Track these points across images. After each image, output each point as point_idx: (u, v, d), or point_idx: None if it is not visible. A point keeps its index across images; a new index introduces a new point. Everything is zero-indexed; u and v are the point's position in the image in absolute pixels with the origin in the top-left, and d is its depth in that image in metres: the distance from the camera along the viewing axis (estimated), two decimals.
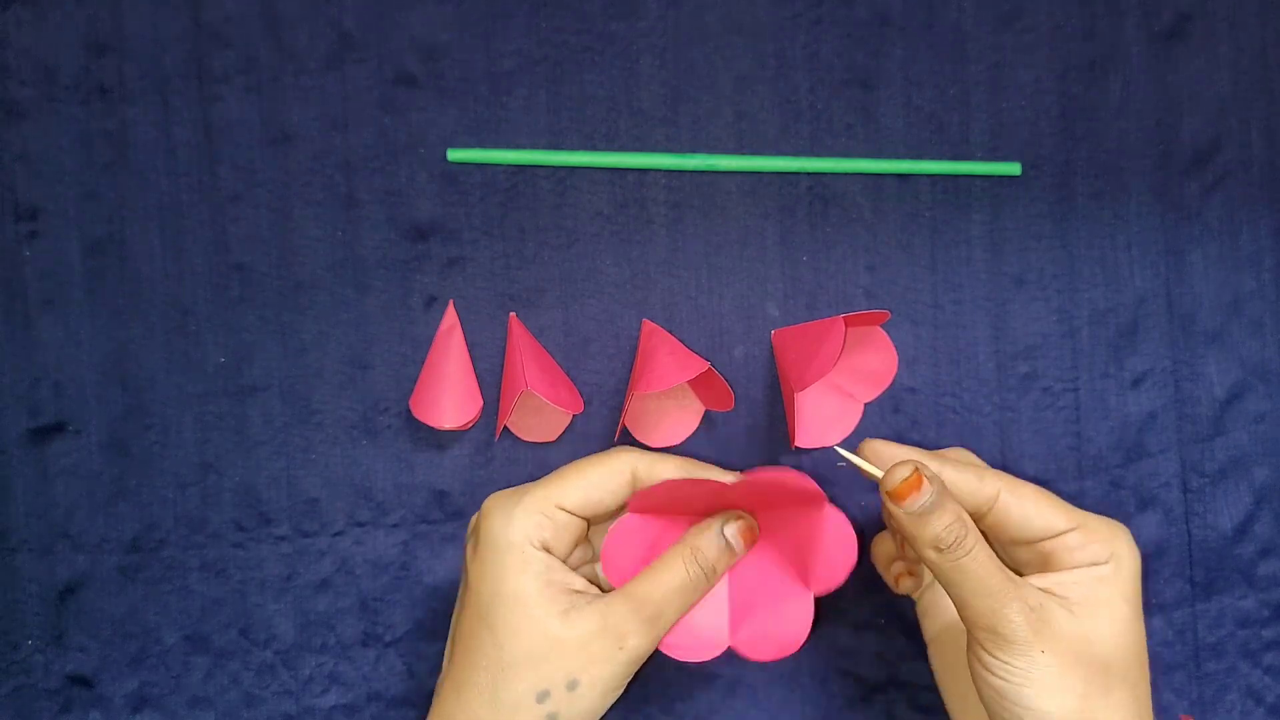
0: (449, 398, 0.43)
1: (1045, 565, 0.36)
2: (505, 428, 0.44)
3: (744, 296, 0.45)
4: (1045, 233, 0.45)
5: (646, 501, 0.37)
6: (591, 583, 0.37)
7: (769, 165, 0.44)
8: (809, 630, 0.38)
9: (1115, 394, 0.45)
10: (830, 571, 0.38)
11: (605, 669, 0.34)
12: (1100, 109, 0.45)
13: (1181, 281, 0.45)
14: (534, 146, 0.44)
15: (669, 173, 0.44)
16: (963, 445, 0.44)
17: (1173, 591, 0.45)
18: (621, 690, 0.35)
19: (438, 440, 0.44)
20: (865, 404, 0.44)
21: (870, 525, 0.45)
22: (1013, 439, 0.45)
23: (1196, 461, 0.45)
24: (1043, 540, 0.36)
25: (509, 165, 0.44)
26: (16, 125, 0.44)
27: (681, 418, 0.44)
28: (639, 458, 0.37)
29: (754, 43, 0.44)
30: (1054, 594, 0.34)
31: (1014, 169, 0.44)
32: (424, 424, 0.43)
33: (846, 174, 0.45)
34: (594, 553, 0.40)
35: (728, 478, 0.37)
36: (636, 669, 0.35)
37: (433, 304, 0.44)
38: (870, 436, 0.38)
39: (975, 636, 0.34)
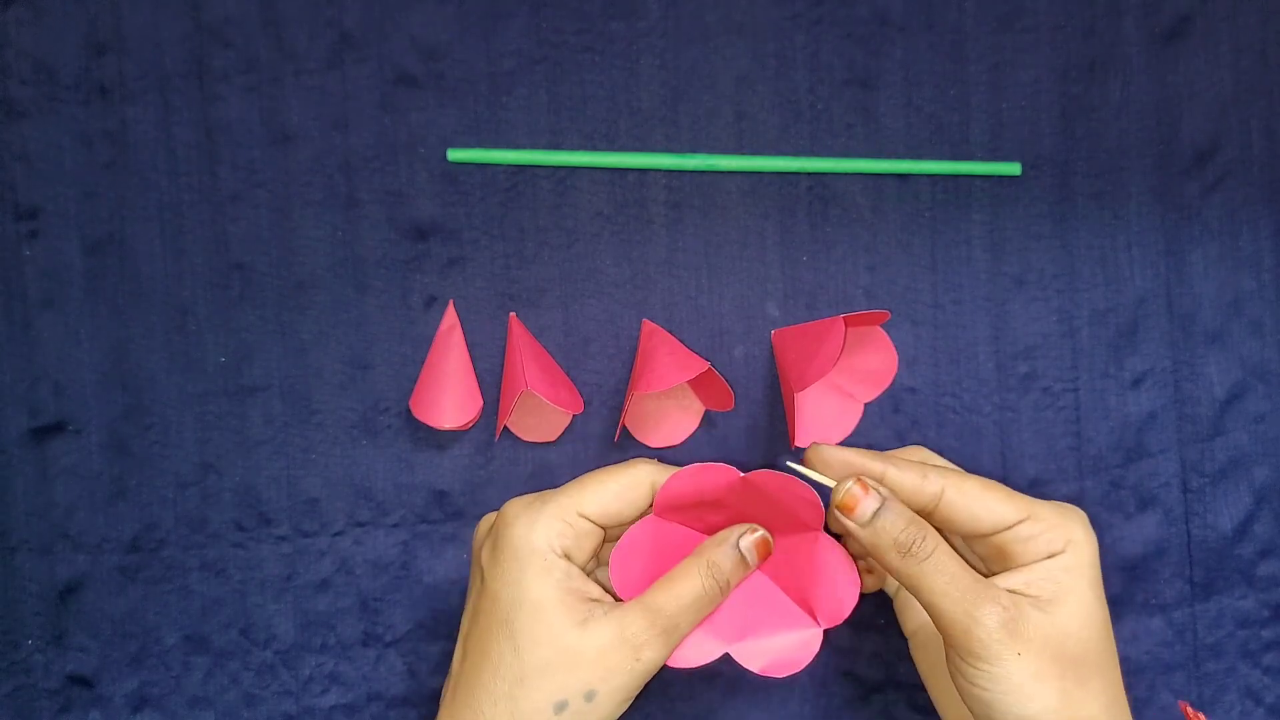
0: (449, 398, 0.43)
1: (1003, 560, 0.36)
2: (505, 428, 0.44)
3: (744, 296, 0.45)
4: (1045, 233, 0.45)
5: (671, 496, 0.37)
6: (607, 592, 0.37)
7: (769, 165, 0.44)
8: (812, 658, 0.38)
9: (1115, 394, 0.45)
10: (836, 606, 0.38)
11: (622, 680, 0.34)
12: (1100, 109, 0.45)
13: (1181, 281, 0.45)
14: (534, 146, 0.44)
15: (669, 173, 0.44)
16: (962, 445, 0.44)
17: (1173, 591, 0.45)
18: (632, 700, 0.35)
19: (438, 440, 0.44)
20: (865, 404, 0.44)
21: None
22: (1013, 439, 0.45)
23: (1196, 461, 0.45)
24: (995, 533, 0.36)
25: (509, 165, 0.44)
26: (16, 125, 0.44)
27: (681, 418, 0.44)
28: (659, 470, 0.37)
29: (754, 43, 0.44)
30: (1023, 593, 0.34)
31: (1014, 169, 0.44)
32: (424, 424, 0.43)
33: (846, 174, 0.45)
34: (599, 565, 0.40)
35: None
36: (649, 679, 0.35)
37: (433, 304, 0.44)
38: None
39: (951, 644, 0.34)
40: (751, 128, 0.44)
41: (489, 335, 0.44)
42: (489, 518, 0.39)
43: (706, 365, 0.41)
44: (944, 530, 0.36)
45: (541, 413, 0.44)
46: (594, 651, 0.34)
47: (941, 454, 0.41)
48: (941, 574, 0.34)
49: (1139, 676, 0.45)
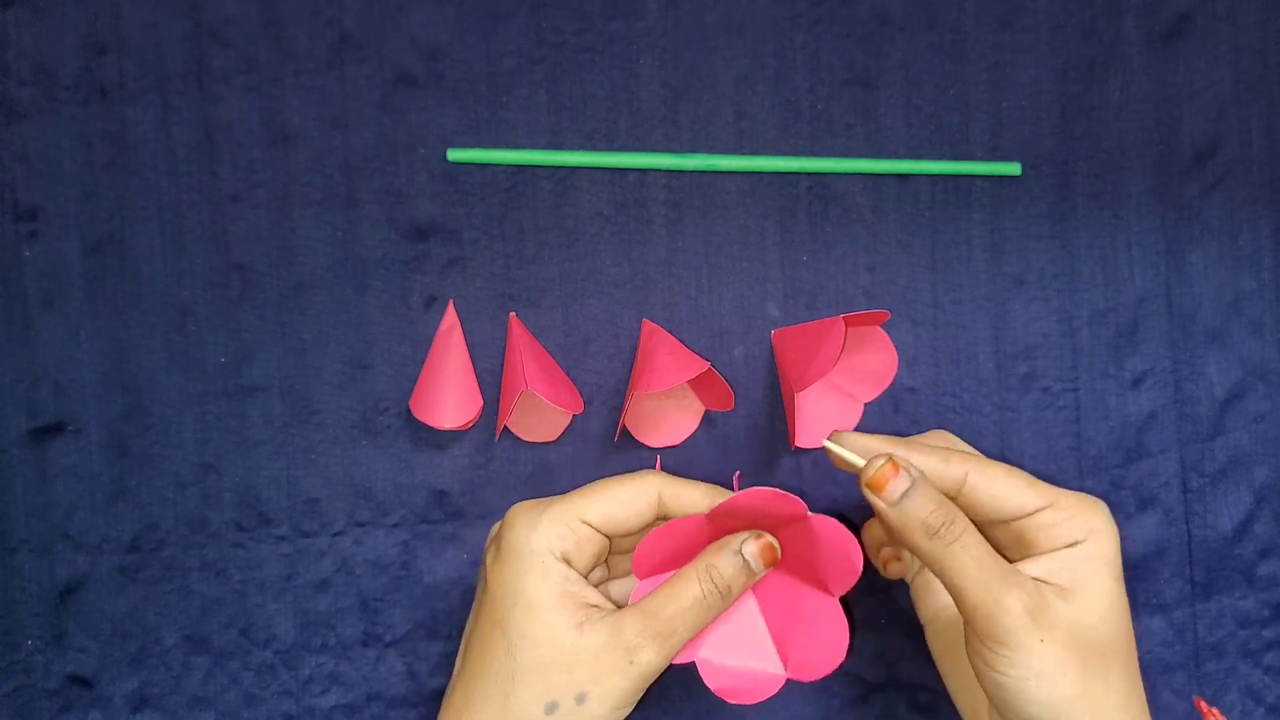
0: (449, 398, 0.43)
1: (1024, 547, 0.36)
2: (505, 428, 0.44)
3: (744, 296, 0.45)
4: (1045, 233, 0.45)
5: (729, 507, 0.36)
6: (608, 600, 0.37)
7: (769, 165, 0.44)
8: (849, 636, 0.38)
9: (1115, 394, 0.45)
10: (842, 575, 0.38)
11: (615, 682, 0.34)
12: (1100, 109, 0.45)
13: (1181, 281, 0.45)
14: (534, 146, 0.44)
15: (669, 173, 0.44)
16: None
17: (1173, 591, 0.45)
18: (632, 707, 0.35)
19: (438, 440, 0.44)
20: (865, 404, 0.44)
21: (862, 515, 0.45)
22: (1013, 439, 0.45)
23: (1196, 461, 0.45)
24: (1015, 520, 0.36)
25: (509, 165, 0.44)
26: (16, 125, 0.44)
27: (681, 418, 0.44)
28: (666, 481, 0.37)
29: (754, 43, 0.44)
30: (1044, 581, 0.34)
31: (1014, 169, 0.44)
32: (424, 424, 0.43)
33: (846, 174, 0.45)
34: (608, 575, 0.40)
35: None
36: (648, 685, 0.35)
37: (433, 304, 0.44)
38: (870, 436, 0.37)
39: (973, 628, 0.34)
40: (751, 128, 0.44)
41: (489, 335, 0.44)
42: (497, 524, 0.39)
43: (706, 365, 0.41)
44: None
45: (541, 413, 0.44)
46: (587, 653, 0.34)
47: None
48: (969, 557, 0.34)
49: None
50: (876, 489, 0.34)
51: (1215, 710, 0.38)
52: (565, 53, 0.44)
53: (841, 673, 0.45)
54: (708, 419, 0.45)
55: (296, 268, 0.44)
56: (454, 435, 0.44)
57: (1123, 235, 0.45)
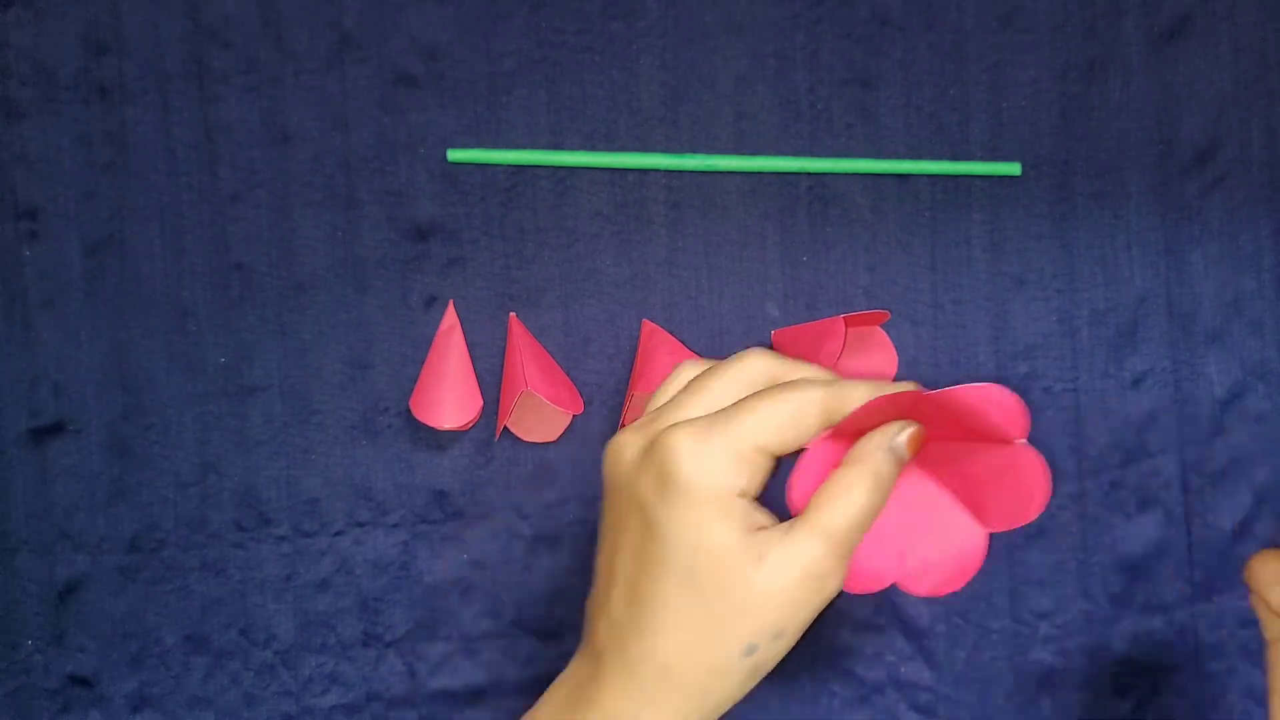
0: (449, 398, 0.43)
1: None
2: (505, 428, 0.44)
3: (744, 296, 0.45)
4: (1045, 233, 0.45)
5: (854, 420, 0.33)
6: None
7: (769, 165, 0.44)
8: (980, 564, 0.35)
9: (1115, 394, 0.45)
10: (1015, 510, 0.34)
11: (807, 613, 0.32)
12: (1100, 109, 0.45)
13: (1181, 281, 0.45)
14: (534, 146, 0.44)
15: (669, 173, 0.44)
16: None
17: (1173, 592, 0.45)
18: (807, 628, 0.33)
19: (438, 440, 0.44)
20: None
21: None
22: None
23: (1196, 461, 0.45)
24: None
25: (509, 165, 0.44)
26: (16, 125, 0.44)
27: None
28: (824, 393, 0.32)
29: (754, 43, 0.44)
30: None
31: (1014, 169, 0.44)
32: (424, 424, 0.43)
33: (846, 174, 0.45)
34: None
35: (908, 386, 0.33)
36: (826, 606, 0.33)
37: (433, 304, 0.44)
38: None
39: None
40: (751, 128, 0.44)
41: (489, 335, 0.44)
42: (630, 436, 0.33)
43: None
44: None
45: (541, 413, 0.44)
46: (780, 592, 0.32)
47: None
48: None
49: (1139, 676, 0.45)
50: (1265, 586, 0.31)
51: None
52: (565, 53, 0.44)
53: (841, 673, 0.45)
54: None
55: (296, 268, 0.44)
56: (454, 435, 0.44)
57: (1123, 235, 0.45)
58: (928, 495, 0.36)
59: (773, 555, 0.32)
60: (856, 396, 0.33)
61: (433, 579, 0.45)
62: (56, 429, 0.44)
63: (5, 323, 0.44)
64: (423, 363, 0.44)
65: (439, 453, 0.44)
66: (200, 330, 0.44)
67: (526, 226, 0.44)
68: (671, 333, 0.44)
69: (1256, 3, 0.45)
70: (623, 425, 0.44)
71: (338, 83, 0.44)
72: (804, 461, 0.33)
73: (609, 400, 0.45)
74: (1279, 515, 0.46)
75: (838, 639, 0.45)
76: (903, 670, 0.45)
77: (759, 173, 0.44)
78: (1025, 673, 0.45)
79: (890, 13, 0.44)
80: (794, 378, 0.33)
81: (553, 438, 0.44)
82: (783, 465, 0.33)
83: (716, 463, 0.31)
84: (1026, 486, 0.33)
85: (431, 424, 0.43)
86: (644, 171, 0.44)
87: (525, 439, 0.44)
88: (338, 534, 0.44)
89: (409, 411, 0.44)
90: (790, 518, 0.33)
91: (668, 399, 0.34)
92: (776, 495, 0.33)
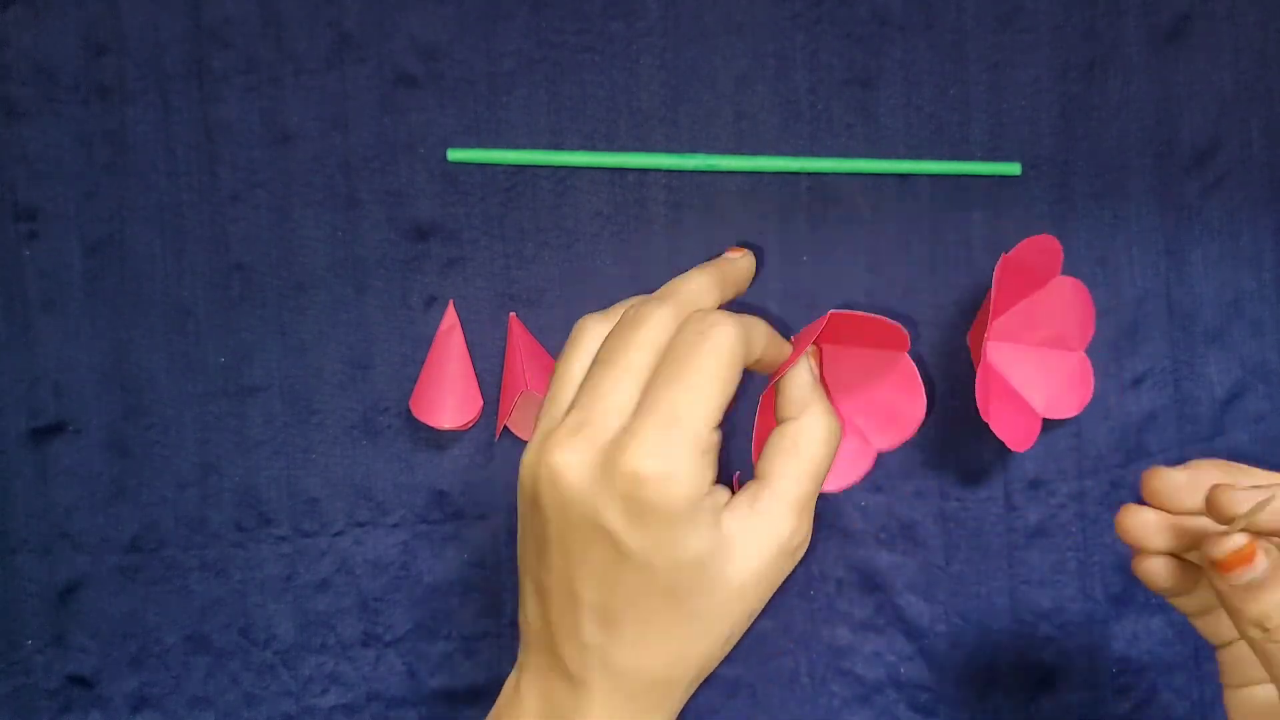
0: (449, 398, 0.43)
1: None
2: (505, 428, 0.44)
3: (744, 296, 0.45)
4: (1045, 232, 0.45)
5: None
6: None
7: (769, 165, 0.44)
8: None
9: (1115, 394, 0.45)
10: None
11: (778, 583, 0.32)
12: (1100, 109, 0.45)
13: (1181, 281, 0.45)
14: (534, 146, 0.44)
15: (669, 173, 0.44)
16: (961, 444, 0.44)
17: None
18: None
19: (438, 440, 0.44)
20: (880, 453, 0.41)
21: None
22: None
23: None
24: None
25: (509, 165, 0.44)
26: (16, 125, 0.44)
27: None
28: (741, 323, 0.31)
29: (754, 43, 0.44)
30: None
31: (1014, 169, 0.44)
32: (424, 424, 0.43)
33: (846, 174, 0.45)
34: None
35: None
36: None
37: (433, 304, 0.44)
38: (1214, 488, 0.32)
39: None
40: (751, 128, 0.44)
41: (489, 335, 0.44)
42: (567, 460, 0.30)
43: None
44: None
45: None
46: (753, 576, 0.31)
47: (940, 454, 0.41)
48: None
49: (1139, 676, 0.45)
50: (1223, 570, 0.29)
51: None
52: (565, 53, 0.44)
53: (841, 673, 0.45)
54: None
55: (296, 268, 0.44)
56: (454, 435, 0.44)
57: (1123, 235, 0.45)
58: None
59: (740, 544, 0.31)
60: (757, 328, 0.32)
61: (433, 579, 0.45)
62: (56, 429, 0.44)
63: (5, 323, 0.44)
64: (423, 363, 0.44)
65: (439, 453, 0.44)
66: (200, 330, 0.44)
67: (526, 226, 0.44)
68: None
69: (1256, 3, 0.45)
70: None
71: (338, 83, 0.44)
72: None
73: None
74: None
75: (838, 639, 0.45)
76: (903, 670, 0.45)
77: (759, 173, 0.44)
78: (1025, 673, 0.45)
79: (890, 13, 0.44)
80: (692, 311, 0.32)
81: None
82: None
83: (684, 473, 0.29)
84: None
85: (431, 424, 0.43)
86: (644, 171, 0.44)
87: (525, 439, 0.44)
88: (338, 534, 0.44)
89: (409, 411, 0.44)
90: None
91: (578, 381, 0.32)
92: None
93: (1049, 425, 0.45)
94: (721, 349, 0.30)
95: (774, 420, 0.34)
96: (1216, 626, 0.34)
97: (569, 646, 0.32)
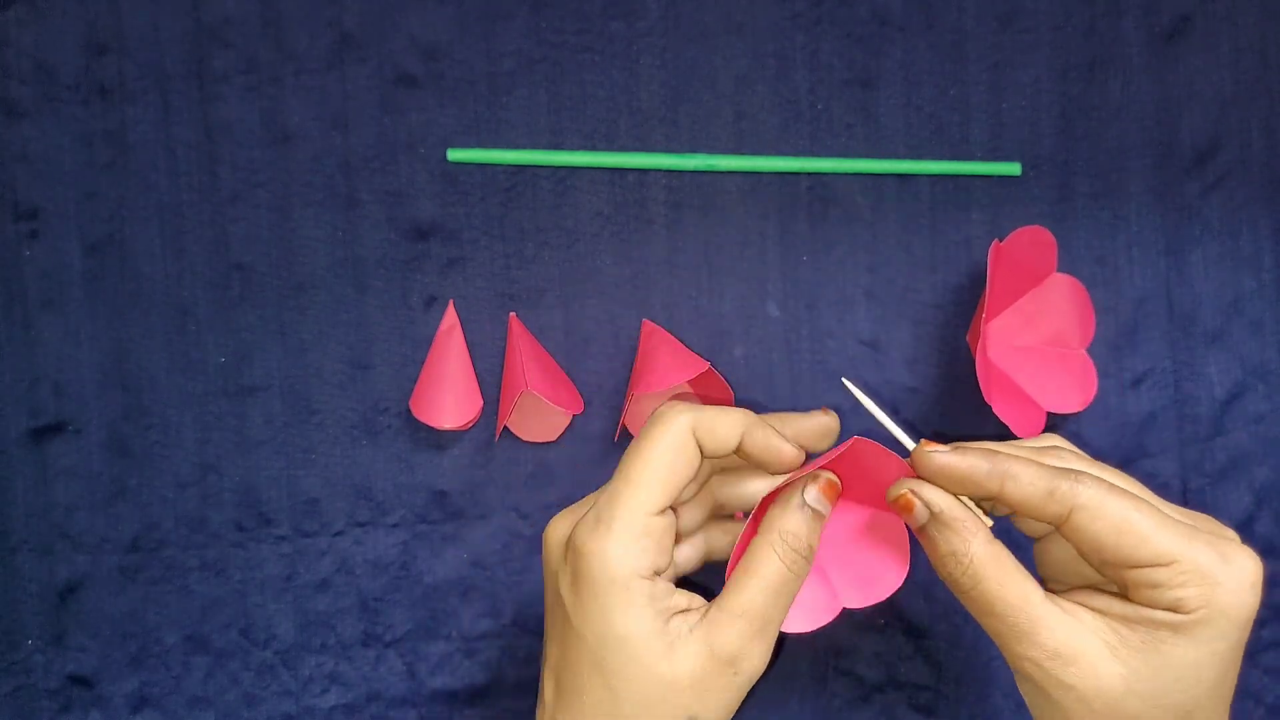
0: (449, 398, 0.43)
1: (1122, 590, 0.32)
2: (505, 428, 0.44)
3: (744, 296, 0.45)
4: None
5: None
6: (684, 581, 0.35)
7: (769, 165, 0.44)
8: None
9: (1115, 394, 0.45)
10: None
11: (722, 697, 0.32)
12: (1100, 109, 0.45)
13: (1181, 281, 0.45)
14: (534, 146, 0.44)
15: (669, 173, 0.44)
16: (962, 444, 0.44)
17: None
18: (737, 708, 0.34)
19: (438, 440, 0.44)
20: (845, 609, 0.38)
21: None
22: (1013, 439, 0.45)
23: (1196, 461, 0.45)
24: (1121, 568, 0.31)
25: (509, 165, 0.44)
26: (16, 125, 0.44)
27: None
28: (696, 417, 0.33)
29: (754, 43, 0.44)
30: (1116, 626, 0.31)
31: (1014, 169, 0.44)
32: (424, 424, 0.43)
33: (846, 174, 0.45)
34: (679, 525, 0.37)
35: (814, 420, 0.36)
36: (754, 683, 0.34)
37: (433, 304, 0.44)
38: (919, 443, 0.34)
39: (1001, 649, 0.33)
40: (751, 128, 0.44)
41: (489, 335, 0.44)
42: (557, 524, 0.35)
43: (706, 365, 0.41)
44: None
45: (541, 413, 0.44)
46: (688, 678, 0.32)
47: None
48: (985, 603, 0.31)
49: None
50: (900, 513, 0.33)
51: None
52: (565, 53, 0.44)
53: (841, 673, 0.45)
54: None
55: (296, 268, 0.44)
56: (454, 435, 0.44)
57: (1123, 235, 0.45)
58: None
59: (682, 642, 0.32)
60: (729, 422, 0.34)
61: (433, 579, 0.45)
62: (56, 429, 0.44)
63: (5, 323, 0.44)
64: (423, 363, 0.44)
65: (439, 453, 0.44)
66: (200, 330, 0.44)
67: (526, 226, 0.44)
68: (671, 333, 0.44)
69: (1256, 3, 0.45)
70: (622, 425, 0.44)
71: (338, 83, 0.44)
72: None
73: (609, 400, 0.45)
74: (1278, 515, 0.46)
75: (838, 639, 0.45)
76: (903, 670, 0.45)
77: (759, 173, 0.44)
78: None
79: (890, 13, 0.44)
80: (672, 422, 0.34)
81: (553, 438, 0.44)
82: None
83: (614, 552, 0.32)
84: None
85: (431, 424, 0.43)
86: (644, 171, 0.44)
87: (525, 439, 0.44)
88: (338, 534, 0.44)
89: (409, 411, 0.44)
90: None
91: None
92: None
93: (1050, 424, 0.45)
94: (661, 437, 0.33)
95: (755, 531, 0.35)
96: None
97: (540, 700, 0.35)
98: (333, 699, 0.45)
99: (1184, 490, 0.45)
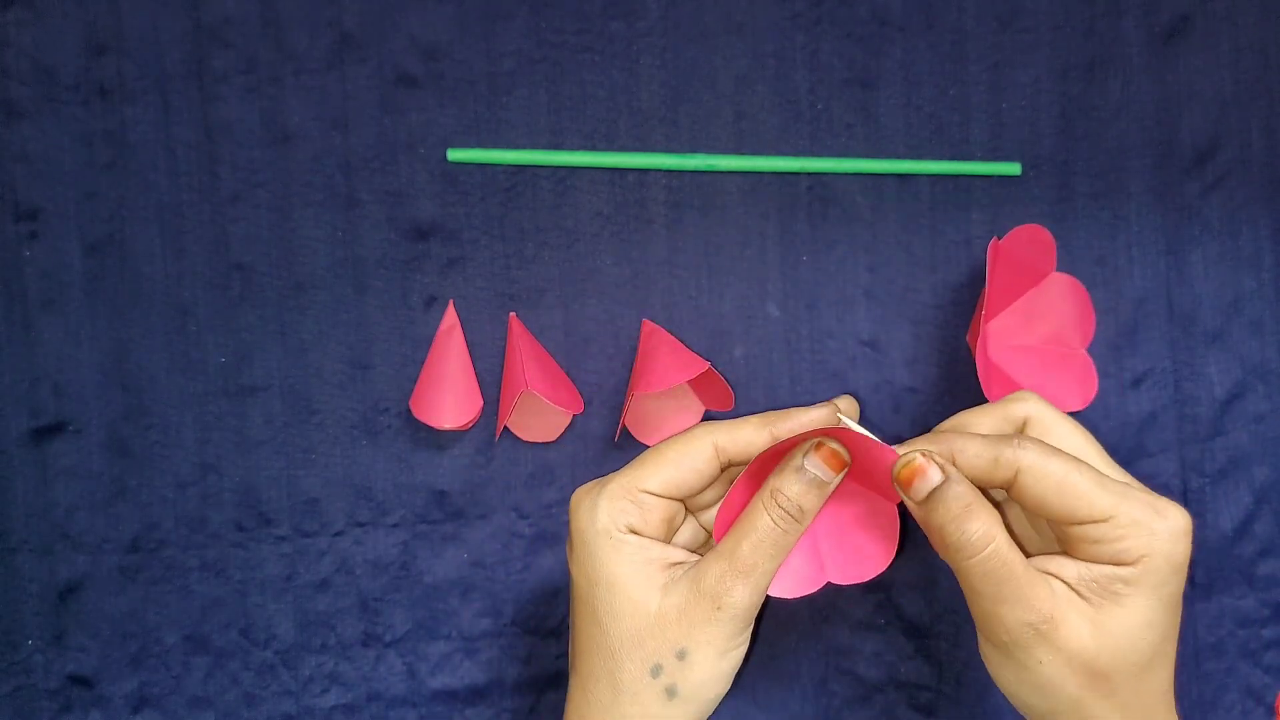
0: (449, 398, 0.43)
1: (1067, 545, 0.34)
2: (505, 428, 0.44)
3: (744, 296, 0.45)
4: None
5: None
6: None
7: (769, 165, 0.44)
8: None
9: (1115, 394, 0.45)
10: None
11: (709, 631, 0.34)
12: (1100, 109, 0.45)
13: (1181, 281, 0.45)
14: (534, 146, 0.44)
15: (669, 173, 0.44)
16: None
17: None
18: (741, 651, 0.35)
19: (438, 440, 0.44)
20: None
21: None
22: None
23: (1196, 461, 0.45)
24: (1064, 524, 0.34)
25: (509, 165, 0.44)
26: (16, 125, 0.44)
27: (681, 418, 0.44)
28: (717, 430, 0.36)
29: (754, 43, 0.44)
30: (1073, 588, 0.33)
31: (1014, 169, 0.44)
32: (424, 424, 0.43)
33: (846, 174, 0.45)
34: (706, 533, 0.40)
35: (813, 413, 0.36)
36: (747, 625, 0.35)
37: (433, 304, 0.44)
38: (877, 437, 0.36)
39: (979, 629, 0.34)
40: (751, 128, 0.44)
41: (489, 335, 0.44)
42: (576, 496, 0.38)
43: (706, 365, 0.41)
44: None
45: (541, 413, 0.44)
46: (674, 611, 0.34)
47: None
48: (984, 572, 0.33)
49: None
50: (904, 485, 0.34)
51: None
52: (565, 53, 0.44)
53: (841, 673, 0.45)
54: (708, 419, 0.45)
55: (296, 268, 0.44)
56: (454, 435, 0.44)
57: (1123, 235, 0.45)
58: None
59: (674, 582, 0.35)
60: (746, 431, 0.36)
61: (433, 579, 0.45)
62: (56, 429, 0.44)
63: (5, 323, 0.44)
64: (423, 363, 0.44)
65: (439, 453, 0.44)
66: (200, 330, 0.44)
67: (526, 226, 0.44)
68: (671, 333, 0.44)
69: (1256, 3, 0.45)
70: (622, 425, 0.44)
71: (338, 83, 0.44)
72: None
73: (609, 400, 0.45)
74: (1279, 515, 0.46)
75: (838, 639, 0.45)
76: (903, 670, 0.45)
77: (759, 173, 0.44)
78: None
79: (890, 13, 0.44)
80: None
81: (553, 438, 0.44)
82: None
83: (600, 509, 0.35)
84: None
85: (431, 424, 0.43)
86: (644, 171, 0.44)
87: (525, 439, 0.44)
88: (338, 534, 0.44)
89: (409, 411, 0.44)
90: None
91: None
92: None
93: None
94: (679, 438, 0.37)
95: (750, 493, 0.37)
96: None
97: (570, 674, 0.38)
98: (333, 699, 0.45)
99: (1184, 490, 0.45)
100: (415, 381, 0.44)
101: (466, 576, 0.45)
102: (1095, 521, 0.33)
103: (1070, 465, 0.33)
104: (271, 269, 0.44)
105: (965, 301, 0.45)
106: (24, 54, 0.43)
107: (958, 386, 0.45)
